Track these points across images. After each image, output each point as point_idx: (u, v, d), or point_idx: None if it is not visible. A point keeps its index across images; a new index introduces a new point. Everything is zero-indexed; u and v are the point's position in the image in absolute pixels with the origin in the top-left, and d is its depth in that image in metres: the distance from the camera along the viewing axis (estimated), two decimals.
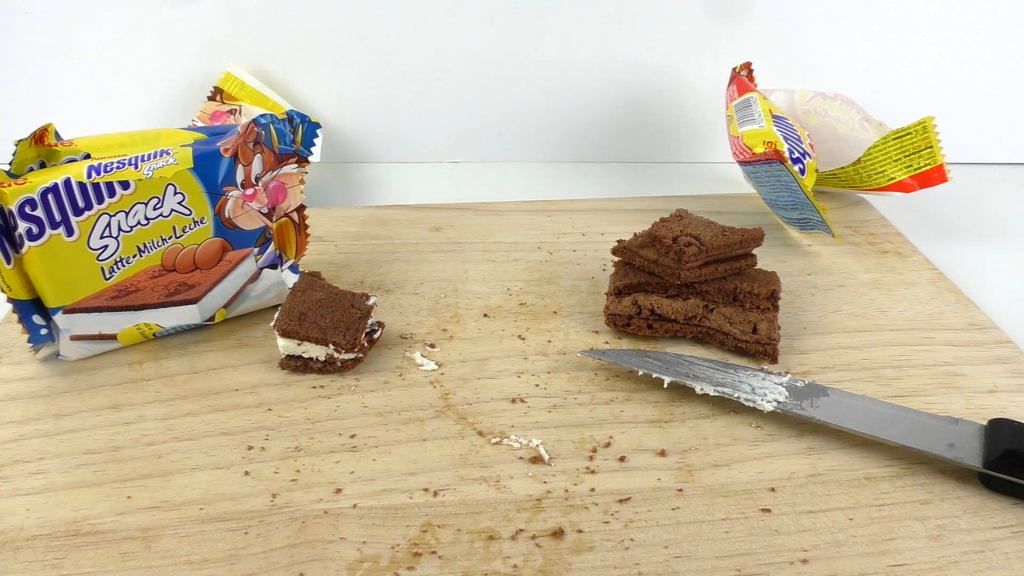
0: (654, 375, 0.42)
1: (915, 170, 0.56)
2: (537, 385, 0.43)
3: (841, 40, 0.69)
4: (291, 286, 0.46)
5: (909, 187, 0.56)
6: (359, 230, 0.58)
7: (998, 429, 0.36)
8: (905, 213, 0.63)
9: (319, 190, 0.68)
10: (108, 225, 0.41)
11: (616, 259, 0.48)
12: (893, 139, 0.56)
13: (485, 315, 0.49)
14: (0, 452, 0.38)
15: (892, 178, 0.57)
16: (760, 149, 0.53)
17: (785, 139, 0.55)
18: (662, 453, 0.38)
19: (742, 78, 0.61)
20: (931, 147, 0.55)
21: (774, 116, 0.57)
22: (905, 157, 0.56)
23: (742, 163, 0.57)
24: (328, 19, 0.66)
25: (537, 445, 0.39)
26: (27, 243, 0.39)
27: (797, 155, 0.55)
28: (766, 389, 0.40)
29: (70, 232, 0.40)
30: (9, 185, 0.39)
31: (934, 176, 0.56)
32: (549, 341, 0.47)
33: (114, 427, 0.40)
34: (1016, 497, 0.36)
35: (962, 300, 0.50)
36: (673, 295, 0.45)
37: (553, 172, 0.73)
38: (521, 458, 0.38)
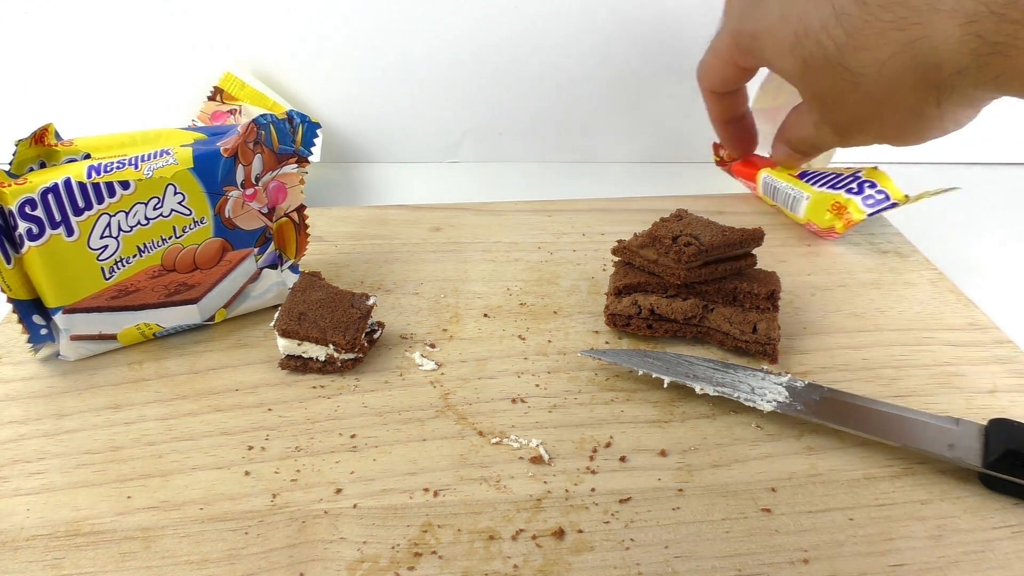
0: (654, 375, 0.42)
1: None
2: (537, 385, 0.43)
3: None
4: (291, 286, 0.46)
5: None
6: (359, 230, 0.58)
7: (998, 429, 0.36)
8: (905, 213, 0.63)
9: (319, 190, 0.68)
10: (108, 225, 0.41)
11: (616, 259, 0.48)
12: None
13: (485, 315, 0.49)
14: (0, 452, 0.38)
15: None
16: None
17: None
18: (662, 453, 0.38)
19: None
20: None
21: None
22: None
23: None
24: (328, 20, 0.66)
25: (537, 445, 0.39)
26: (27, 243, 0.39)
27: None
28: (766, 389, 0.40)
29: (70, 232, 0.40)
30: (9, 185, 0.39)
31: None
32: (549, 341, 0.47)
33: (114, 427, 0.40)
34: (1016, 497, 0.36)
35: (962, 300, 0.50)
36: (673, 295, 0.45)
37: (553, 172, 0.73)
38: (521, 458, 0.38)
